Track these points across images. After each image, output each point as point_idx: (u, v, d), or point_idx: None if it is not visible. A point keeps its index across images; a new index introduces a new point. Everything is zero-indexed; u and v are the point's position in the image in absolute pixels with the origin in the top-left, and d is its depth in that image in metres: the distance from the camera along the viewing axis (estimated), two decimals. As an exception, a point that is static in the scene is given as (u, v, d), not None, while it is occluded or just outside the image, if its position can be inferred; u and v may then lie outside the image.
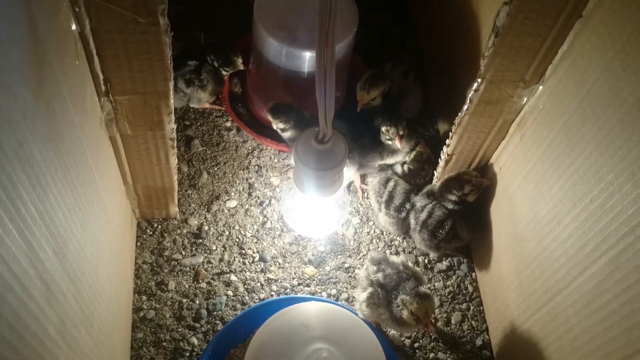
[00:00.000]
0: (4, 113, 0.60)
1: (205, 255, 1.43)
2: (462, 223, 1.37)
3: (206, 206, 1.49)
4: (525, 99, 1.16)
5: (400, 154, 1.45)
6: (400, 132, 1.41)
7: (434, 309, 1.28)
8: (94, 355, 0.97)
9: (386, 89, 1.47)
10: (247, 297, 1.39)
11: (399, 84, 1.53)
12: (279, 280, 1.42)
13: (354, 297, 1.41)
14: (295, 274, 1.43)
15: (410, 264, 1.32)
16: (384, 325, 1.37)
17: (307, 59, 1.44)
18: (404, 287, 1.23)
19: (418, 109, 1.60)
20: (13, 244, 0.62)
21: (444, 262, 1.48)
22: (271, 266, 1.44)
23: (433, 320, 1.26)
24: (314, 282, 1.43)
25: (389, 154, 1.46)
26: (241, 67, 1.55)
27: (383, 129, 1.41)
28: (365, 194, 1.55)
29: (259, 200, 1.52)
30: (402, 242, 1.50)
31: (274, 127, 1.45)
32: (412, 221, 1.42)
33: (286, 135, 1.46)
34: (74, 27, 0.88)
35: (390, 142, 1.43)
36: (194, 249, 1.44)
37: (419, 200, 1.41)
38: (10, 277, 0.61)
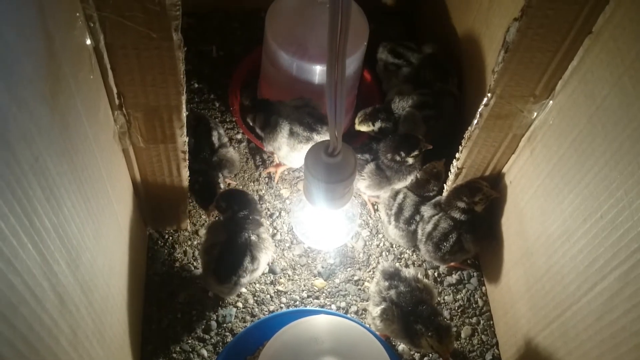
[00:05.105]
0: (20, 127, 0.61)
1: (216, 266, 1.44)
2: (468, 236, 1.36)
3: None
4: (535, 113, 1.16)
5: (411, 174, 1.45)
6: (424, 148, 1.41)
7: (454, 342, 1.29)
8: (104, 366, 0.97)
9: (375, 129, 1.50)
10: (256, 309, 1.40)
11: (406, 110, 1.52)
12: (289, 293, 1.42)
13: (363, 310, 1.41)
14: (304, 286, 1.44)
15: (420, 277, 1.32)
16: (393, 339, 1.37)
17: (317, 72, 1.45)
18: (421, 313, 1.24)
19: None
20: (27, 257, 0.63)
21: (453, 275, 1.48)
22: (281, 278, 1.44)
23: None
24: (324, 294, 1.43)
25: (398, 179, 1.45)
26: None
27: (410, 160, 1.41)
28: (375, 207, 1.55)
29: (268, 212, 1.53)
30: (412, 255, 1.50)
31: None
32: (419, 232, 1.42)
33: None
34: (88, 42, 0.89)
35: (412, 160, 1.42)
36: (204, 260, 1.44)
37: (426, 211, 1.41)
38: (25, 289, 0.62)
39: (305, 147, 1.41)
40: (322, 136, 1.41)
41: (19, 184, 0.60)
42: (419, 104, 1.50)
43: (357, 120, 1.51)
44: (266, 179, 1.58)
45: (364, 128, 1.51)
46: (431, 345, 1.22)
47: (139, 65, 0.97)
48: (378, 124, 1.49)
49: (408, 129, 1.49)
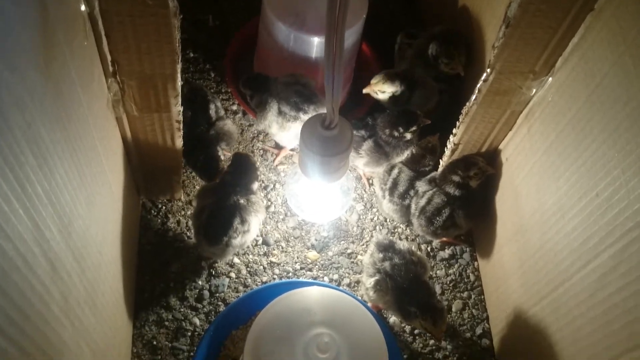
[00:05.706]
0: (12, 94, 0.60)
1: (209, 237, 1.43)
2: (460, 212, 1.36)
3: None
4: (534, 90, 1.15)
5: (409, 149, 1.44)
6: (422, 123, 1.40)
7: (447, 323, 1.30)
8: (96, 333, 0.97)
9: (397, 92, 1.44)
10: (249, 280, 1.40)
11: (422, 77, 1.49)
12: (282, 264, 1.43)
13: (356, 282, 1.42)
14: (297, 258, 1.44)
15: (415, 249, 1.32)
16: (385, 311, 1.38)
17: (315, 44, 1.43)
18: (415, 294, 1.25)
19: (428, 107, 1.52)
20: (19, 223, 0.62)
21: (446, 250, 1.49)
22: (274, 250, 1.44)
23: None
24: (317, 266, 1.44)
25: (396, 154, 1.44)
26: None
27: (408, 136, 1.40)
28: (370, 181, 1.55)
29: (263, 184, 1.52)
30: (405, 229, 1.50)
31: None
32: (412, 206, 1.42)
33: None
34: (83, 8, 0.88)
35: (410, 135, 1.41)
36: (197, 230, 1.44)
37: (421, 186, 1.41)
38: (16, 255, 0.62)
39: (294, 126, 1.39)
40: (310, 115, 1.39)
41: (11, 151, 0.60)
42: (435, 77, 1.49)
43: (380, 79, 1.43)
44: (261, 150, 1.57)
45: (387, 88, 1.43)
46: (425, 327, 1.23)
47: (134, 32, 0.96)
48: (402, 88, 1.43)
49: (423, 96, 1.46)
